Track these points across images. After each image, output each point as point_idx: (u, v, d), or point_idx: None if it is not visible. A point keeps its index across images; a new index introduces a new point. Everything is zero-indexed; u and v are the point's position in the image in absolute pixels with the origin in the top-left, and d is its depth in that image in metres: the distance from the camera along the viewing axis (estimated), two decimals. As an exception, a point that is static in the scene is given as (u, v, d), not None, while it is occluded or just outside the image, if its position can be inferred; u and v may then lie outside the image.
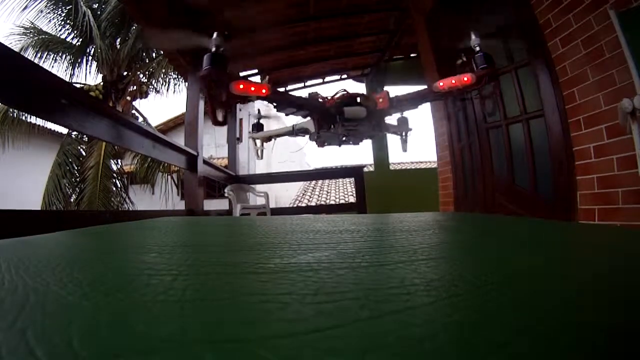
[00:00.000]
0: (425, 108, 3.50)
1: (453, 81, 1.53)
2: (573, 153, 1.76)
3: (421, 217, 0.79)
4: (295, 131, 2.12)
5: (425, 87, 1.67)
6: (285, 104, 1.73)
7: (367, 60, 5.28)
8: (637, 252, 0.37)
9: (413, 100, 1.79)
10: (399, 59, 5.27)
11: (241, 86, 1.46)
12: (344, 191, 9.23)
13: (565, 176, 1.84)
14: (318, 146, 2.25)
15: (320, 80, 5.71)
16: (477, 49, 1.47)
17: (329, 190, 9.66)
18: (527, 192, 2.17)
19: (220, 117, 1.53)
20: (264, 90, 1.51)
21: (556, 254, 0.36)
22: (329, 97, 1.78)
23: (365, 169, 4.42)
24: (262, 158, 2.56)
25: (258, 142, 2.45)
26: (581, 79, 1.68)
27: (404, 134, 2.23)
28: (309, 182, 10.17)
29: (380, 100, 1.71)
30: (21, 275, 0.24)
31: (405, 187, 4.59)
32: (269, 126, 3.11)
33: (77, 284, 0.22)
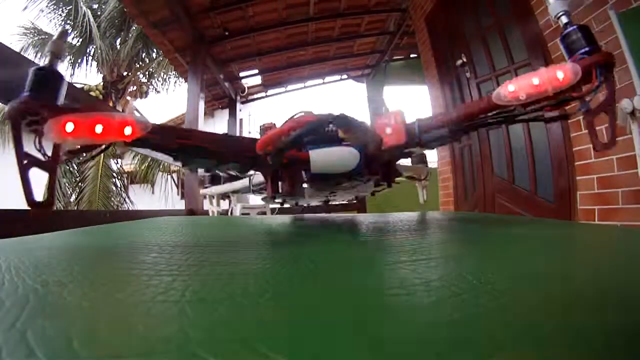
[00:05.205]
0: (425, 106, 3.50)
1: (535, 81, 0.57)
2: (573, 153, 1.76)
3: (421, 216, 0.79)
4: (252, 188, 1.24)
5: (479, 100, 0.63)
6: (187, 152, 0.59)
7: (367, 60, 5.28)
8: (637, 252, 0.37)
9: (458, 129, 0.65)
10: (400, 59, 5.27)
11: (69, 126, 0.44)
12: (344, 191, 9.22)
13: (565, 177, 1.84)
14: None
15: (321, 81, 5.71)
16: (565, 20, 0.62)
17: (329, 191, 9.65)
18: (527, 192, 2.17)
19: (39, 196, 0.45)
20: (127, 130, 0.47)
21: (556, 254, 0.36)
22: (266, 128, 0.76)
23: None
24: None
25: (214, 201, 1.67)
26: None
27: (422, 178, 1.32)
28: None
29: (388, 130, 0.63)
30: (21, 275, 0.24)
31: (406, 187, 4.58)
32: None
33: (77, 285, 0.22)
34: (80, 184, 6.11)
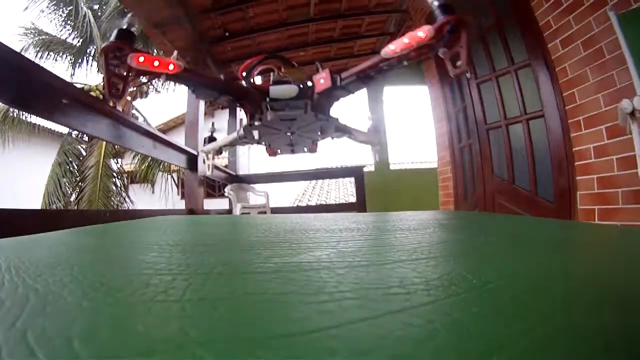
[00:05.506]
0: (425, 108, 3.50)
1: (406, 40, 1.16)
2: (573, 153, 1.76)
3: (421, 215, 0.79)
4: (240, 138, 1.74)
5: (373, 57, 1.32)
6: (200, 86, 1.41)
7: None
8: (637, 252, 0.37)
9: (363, 77, 1.36)
10: (400, 59, 5.25)
11: (141, 59, 1.18)
12: (344, 191, 9.23)
13: (565, 177, 1.84)
14: (269, 154, 1.92)
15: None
16: (436, 3, 1.16)
17: (329, 190, 9.66)
18: (527, 192, 2.17)
19: (115, 90, 1.23)
20: (170, 67, 1.23)
21: (556, 254, 0.36)
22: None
23: (366, 169, 4.42)
24: (210, 172, 2.30)
25: (210, 155, 2.22)
26: (581, 80, 1.68)
27: (375, 145, 1.93)
28: (309, 181, 10.18)
29: (321, 80, 1.34)
30: (21, 275, 0.24)
31: (406, 187, 4.60)
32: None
33: (77, 284, 0.22)
34: (80, 183, 6.11)
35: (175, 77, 1.31)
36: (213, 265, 0.29)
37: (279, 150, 1.88)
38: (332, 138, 1.84)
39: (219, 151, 2.18)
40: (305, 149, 1.87)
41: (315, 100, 1.40)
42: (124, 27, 1.19)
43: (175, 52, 1.40)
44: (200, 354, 0.13)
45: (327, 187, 10.02)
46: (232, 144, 1.98)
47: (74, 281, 0.23)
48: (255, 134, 1.62)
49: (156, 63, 1.20)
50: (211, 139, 2.24)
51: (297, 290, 0.21)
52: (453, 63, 1.15)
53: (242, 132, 1.67)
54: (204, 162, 2.28)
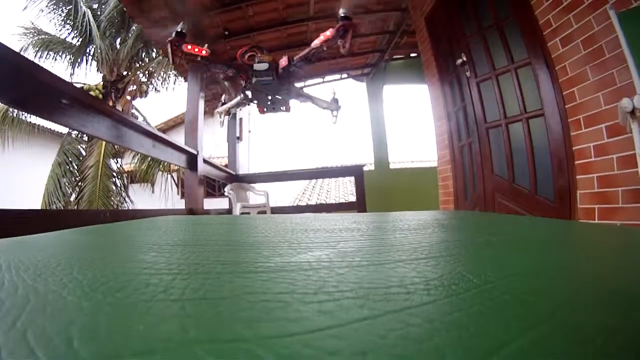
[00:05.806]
0: (425, 106, 3.49)
1: (322, 37, 2.25)
2: (573, 152, 1.76)
3: (421, 215, 0.79)
4: (242, 100, 2.79)
5: (307, 47, 2.39)
6: (218, 63, 2.56)
7: (367, 60, 5.27)
8: (638, 251, 0.37)
9: (304, 59, 2.47)
10: (399, 58, 5.26)
11: (189, 47, 2.36)
12: (344, 190, 9.24)
13: (565, 175, 1.84)
14: (259, 112, 2.87)
15: (321, 80, 5.70)
16: (342, 15, 2.16)
17: (329, 189, 9.67)
18: (527, 191, 2.17)
19: (176, 62, 2.46)
20: (204, 52, 2.40)
21: (556, 253, 0.36)
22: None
23: (366, 168, 4.42)
24: (222, 126, 3.24)
25: (222, 115, 3.14)
26: (581, 79, 1.68)
27: (334, 111, 2.85)
28: (309, 181, 10.18)
29: (283, 61, 2.47)
30: (21, 275, 0.24)
31: (406, 186, 4.60)
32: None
33: (77, 284, 0.22)
34: (80, 183, 6.11)
35: (205, 59, 2.43)
36: (213, 264, 0.29)
37: (265, 109, 2.80)
38: (300, 102, 2.81)
39: (227, 112, 3.11)
40: (283, 108, 2.77)
41: (280, 74, 2.52)
42: (179, 29, 2.34)
43: (206, 45, 2.44)
44: (200, 354, 0.13)
45: (327, 187, 10.03)
46: (237, 105, 2.96)
47: (74, 281, 0.23)
48: (249, 94, 2.72)
49: (196, 50, 2.35)
50: (223, 103, 3.22)
51: (297, 289, 0.21)
52: (342, 47, 2.21)
53: (241, 95, 2.72)
54: (219, 118, 3.25)
